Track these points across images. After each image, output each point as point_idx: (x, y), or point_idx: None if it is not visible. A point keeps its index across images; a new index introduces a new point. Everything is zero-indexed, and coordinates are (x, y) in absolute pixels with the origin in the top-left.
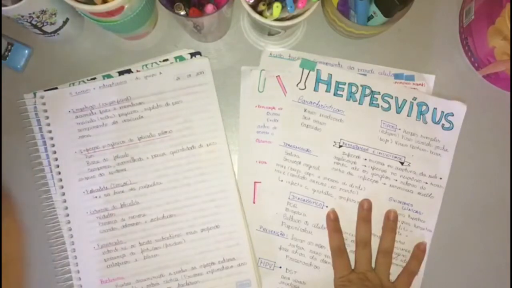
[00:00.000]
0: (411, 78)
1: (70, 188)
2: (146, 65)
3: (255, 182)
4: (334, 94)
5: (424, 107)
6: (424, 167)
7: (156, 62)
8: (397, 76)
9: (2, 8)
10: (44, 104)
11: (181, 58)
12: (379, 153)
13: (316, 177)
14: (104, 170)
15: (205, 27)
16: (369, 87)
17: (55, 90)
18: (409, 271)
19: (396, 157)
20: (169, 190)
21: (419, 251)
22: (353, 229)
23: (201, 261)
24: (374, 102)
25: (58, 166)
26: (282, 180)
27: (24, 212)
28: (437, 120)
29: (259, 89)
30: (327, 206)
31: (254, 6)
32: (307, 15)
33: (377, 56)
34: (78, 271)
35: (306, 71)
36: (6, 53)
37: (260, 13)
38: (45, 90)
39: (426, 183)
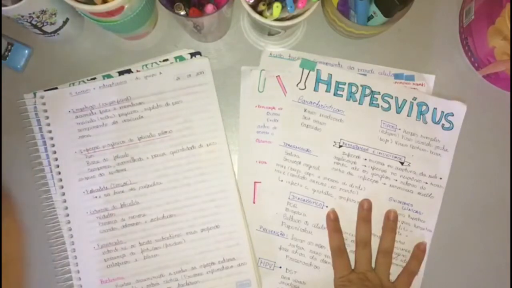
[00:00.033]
0: (411, 78)
1: (70, 188)
2: (146, 65)
3: (255, 182)
4: (334, 94)
5: (424, 107)
6: (424, 167)
7: (156, 62)
8: (397, 76)
9: (2, 8)
10: (44, 104)
11: (181, 58)
12: (379, 153)
13: (316, 177)
14: (104, 170)
15: (205, 27)
16: (369, 87)
17: (55, 90)
18: (409, 271)
19: (396, 157)
20: (169, 190)
21: (419, 251)
22: (353, 229)
23: (201, 261)
24: (374, 102)
25: (58, 166)
26: (282, 180)
27: (24, 212)
28: (437, 120)
29: (259, 89)
30: (327, 206)
31: (254, 6)
32: (307, 15)
33: (377, 56)
34: (78, 271)
35: (306, 71)
36: (6, 53)
37: (260, 13)
38: (45, 90)
39: (426, 183)
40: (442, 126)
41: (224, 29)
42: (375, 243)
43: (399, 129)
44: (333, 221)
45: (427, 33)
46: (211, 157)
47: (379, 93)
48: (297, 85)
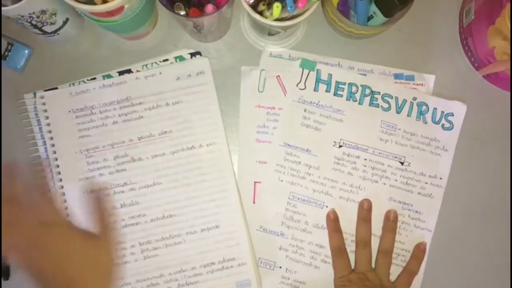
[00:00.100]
0: (411, 78)
1: (70, 188)
2: (146, 65)
3: (255, 182)
4: (334, 94)
5: (424, 107)
6: (424, 167)
7: (156, 62)
8: (397, 76)
9: (2, 8)
10: (44, 104)
11: (181, 58)
12: (379, 153)
13: (316, 177)
14: (104, 170)
15: (205, 27)
16: (369, 87)
17: (55, 90)
18: (409, 271)
19: (396, 157)
20: (169, 190)
21: (419, 251)
22: (353, 229)
23: (201, 261)
24: (374, 102)
25: (58, 166)
26: (282, 180)
27: None
28: (437, 120)
29: (259, 89)
30: (327, 206)
31: (254, 6)
32: (307, 15)
33: (377, 56)
34: None
35: (306, 71)
36: (6, 53)
37: (260, 13)
38: (45, 90)
39: (426, 183)
40: (442, 126)
41: (224, 29)
42: (375, 243)
43: (399, 129)
44: (333, 221)
45: (427, 33)
46: (211, 157)
47: (379, 93)
48: (297, 85)
